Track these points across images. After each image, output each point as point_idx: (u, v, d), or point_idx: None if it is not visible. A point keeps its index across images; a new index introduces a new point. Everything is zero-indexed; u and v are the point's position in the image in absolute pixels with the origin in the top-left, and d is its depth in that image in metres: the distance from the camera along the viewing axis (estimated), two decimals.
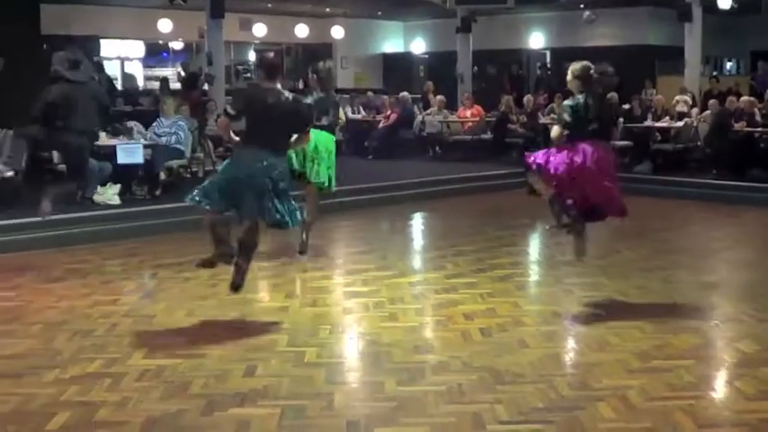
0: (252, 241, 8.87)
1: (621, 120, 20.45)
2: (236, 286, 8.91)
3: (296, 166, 11.21)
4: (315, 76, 11.89)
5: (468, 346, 8.12)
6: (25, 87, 17.07)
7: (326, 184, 11.56)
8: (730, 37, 31.20)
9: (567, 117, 9.14)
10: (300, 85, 30.60)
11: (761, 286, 10.65)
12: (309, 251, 11.72)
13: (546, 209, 9.85)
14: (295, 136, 9.03)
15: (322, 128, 11.34)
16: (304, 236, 11.63)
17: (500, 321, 8.88)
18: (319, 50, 32.83)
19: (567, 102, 9.32)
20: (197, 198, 8.75)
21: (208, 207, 8.75)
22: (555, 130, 9.29)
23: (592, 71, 9.35)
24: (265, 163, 8.60)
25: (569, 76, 9.44)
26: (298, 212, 8.95)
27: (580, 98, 9.23)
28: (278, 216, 8.68)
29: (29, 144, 14.43)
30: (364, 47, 33.65)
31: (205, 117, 19.01)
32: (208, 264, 9.14)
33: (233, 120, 8.94)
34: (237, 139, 9.07)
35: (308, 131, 9.20)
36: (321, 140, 11.35)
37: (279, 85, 8.90)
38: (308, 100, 11.33)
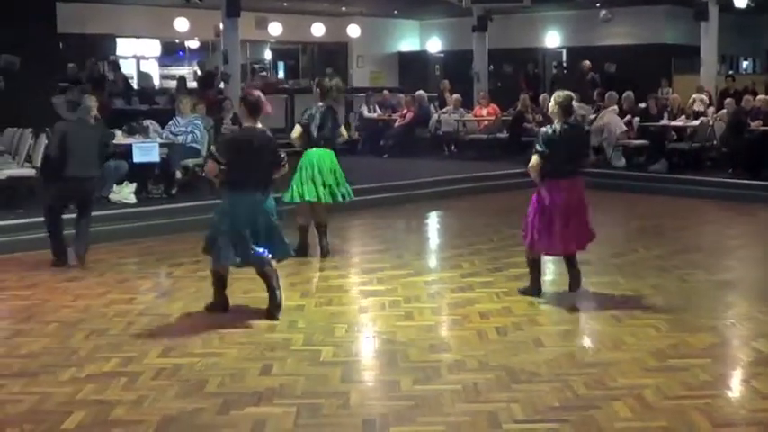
0: (271, 273, 9.09)
1: (637, 119, 20.43)
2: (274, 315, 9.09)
3: (307, 196, 11.50)
4: (318, 89, 11.92)
5: (483, 344, 8.12)
6: (41, 86, 17.19)
7: (342, 199, 11.80)
8: (746, 36, 31.14)
9: (544, 148, 9.33)
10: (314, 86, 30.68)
11: None
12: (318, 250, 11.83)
13: None
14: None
15: (319, 145, 11.58)
16: (323, 240, 11.74)
17: (516, 320, 8.88)
18: (335, 49, 32.88)
19: (543, 130, 9.52)
20: (221, 260, 9.02)
21: (228, 263, 9.04)
22: (533, 159, 9.42)
23: (574, 102, 9.54)
24: (262, 205, 8.95)
25: (552, 103, 9.61)
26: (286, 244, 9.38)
27: (557, 127, 9.37)
28: (280, 249, 9.17)
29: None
30: (380, 45, 33.63)
31: (221, 116, 19.01)
32: (219, 308, 9.30)
33: (221, 165, 8.95)
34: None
35: (284, 164, 9.23)
36: (323, 159, 11.58)
37: (259, 124, 9.03)
38: (305, 115, 11.51)
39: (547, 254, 9.89)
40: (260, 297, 9.66)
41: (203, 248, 9.23)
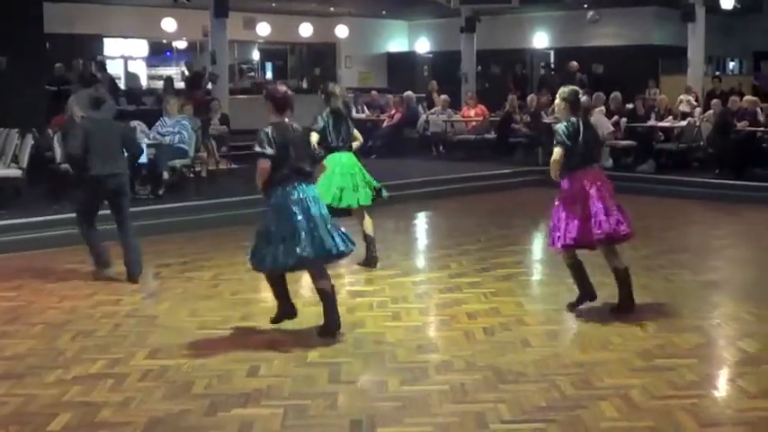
0: (329, 286, 8.57)
1: (625, 119, 20.47)
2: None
3: (340, 203, 11.12)
4: (324, 96, 11.57)
5: (471, 345, 8.13)
6: (28, 86, 17.15)
7: (374, 198, 11.50)
8: (733, 37, 31.21)
9: (566, 140, 9.09)
10: (305, 85, 30.74)
11: (763, 285, 10.67)
12: None
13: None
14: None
15: (338, 149, 11.26)
16: (371, 250, 11.53)
17: (503, 321, 8.89)
18: (324, 50, 32.89)
19: (560, 126, 9.25)
20: (279, 263, 8.30)
21: (305, 256, 8.23)
22: (556, 152, 9.10)
23: (581, 95, 9.38)
24: (312, 196, 8.35)
25: (558, 100, 9.41)
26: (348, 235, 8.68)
27: (573, 121, 9.19)
28: (343, 244, 8.46)
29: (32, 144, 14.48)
30: (368, 46, 33.65)
31: (209, 116, 19.02)
32: (285, 317, 8.74)
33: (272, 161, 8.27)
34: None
35: (322, 161, 8.92)
36: (345, 163, 11.28)
37: (287, 119, 8.49)
38: (319, 123, 11.23)
39: (584, 246, 9.28)
40: (247, 299, 9.70)
41: (254, 267, 8.55)
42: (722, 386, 7.29)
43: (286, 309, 8.69)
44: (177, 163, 15.79)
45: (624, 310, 9.19)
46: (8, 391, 6.97)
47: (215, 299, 9.86)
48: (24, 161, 14.35)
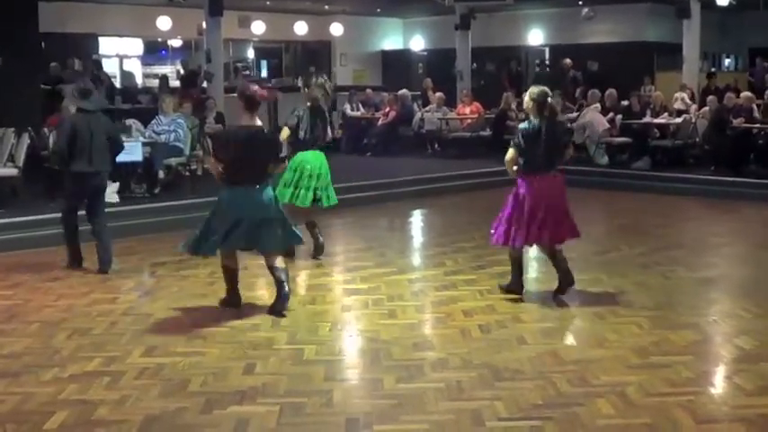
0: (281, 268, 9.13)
1: (620, 116, 20.48)
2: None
3: (287, 199, 11.25)
4: (305, 90, 11.85)
5: (467, 342, 8.14)
6: (23, 86, 17.12)
7: (322, 203, 11.70)
8: (729, 33, 31.21)
9: (522, 141, 9.28)
10: (300, 83, 30.69)
11: (759, 282, 10.67)
12: (304, 249, 11.77)
13: None
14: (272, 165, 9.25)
15: (306, 145, 11.42)
16: (318, 239, 11.73)
17: (499, 318, 8.90)
18: (318, 48, 32.85)
19: (521, 125, 9.51)
20: (195, 248, 9.18)
21: (214, 251, 9.13)
22: (509, 152, 9.43)
23: (549, 97, 9.46)
24: (260, 197, 8.94)
25: (527, 98, 9.58)
26: (297, 230, 9.47)
27: (535, 122, 9.32)
28: (289, 239, 9.35)
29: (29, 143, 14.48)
30: (363, 44, 33.61)
31: (204, 115, 19.01)
32: (232, 304, 9.38)
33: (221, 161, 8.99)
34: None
35: (283, 160, 9.42)
36: (317, 161, 11.48)
37: (257, 120, 9.06)
38: (292, 116, 11.36)
39: (518, 245, 9.60)
40: (243, 296, 9.67)
41: (190, 250, 9.26)
42: (719, 383, 7.29)
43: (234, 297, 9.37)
44: (173, 161, 15.78)
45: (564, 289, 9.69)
46: (5, 389, 6.97)
47: (210, 297, 9.85)
48: (21, 160, 14.34)
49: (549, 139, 9.35)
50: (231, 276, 9.30)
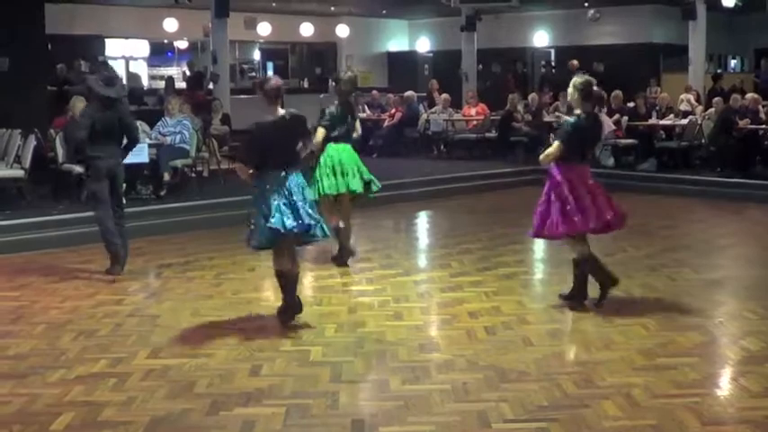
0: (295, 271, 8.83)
1: (626, 118, 20.46)
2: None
3: (328, 190, 11.10)
4: (335, 84, 11.63)
5: (473, 344, 8.13)
6: (29, 87, 17.15)
7: (363, 189, 11.42)
8: (734, 35, 31.23)
9: (569, 137, 9.02)
10: (306, 84, 30.72)
11: (765, 284, 10.65)
12: (316, 252, 11.75)
13: None
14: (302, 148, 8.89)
15: (337, 139, 11.18)
16: (347, 243, 11.51)
17: (505, 320, 8.89)
18: (324, 49, 32.88)
19: (569, 120, 9.21)
20: (259, 241, 8.64)
21: (291, 229, 8.48)
22: (556, 147, 9.05)
23: (594, 86, 9.30)
24: (293, 179, 8.57)
25: (570, 89, 9.30)
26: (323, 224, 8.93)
27: (582, 115, 9.12)
28: (317, 227, 8.75)
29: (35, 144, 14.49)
30: (369, 45, 33.64)
31: (210, 116, 19.04)
32: (290, 312, 8.85)
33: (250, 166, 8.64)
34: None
35: (312, 144, 9.01)
36: (343, 153, 11.23)
37: (280, 110, 8.64)
38: (326, 112, 11.21)
39: (577, 232, 9.23)
40: (249, 298, 9.70)
41: (255, 246, 8.78)
42: (725, 385, 7.28)
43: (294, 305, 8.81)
44: (179, 163, 15.80)
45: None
46: (11, 390, 6.97)
47: (217, 298, 9.86)
48: (27, 162, 14.34)
49: (592, 130, 9.27)
50: (289, 281, 8.76)
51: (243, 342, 8.22)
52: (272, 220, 8.34)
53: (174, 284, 10.56)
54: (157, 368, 7.47)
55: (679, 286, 10.44)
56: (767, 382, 7.06)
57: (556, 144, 9.08)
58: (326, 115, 11.22)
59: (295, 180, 8.58)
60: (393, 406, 6.58)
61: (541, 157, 9.22)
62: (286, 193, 8.45)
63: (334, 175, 11.17)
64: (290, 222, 8.39)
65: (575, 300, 9.35)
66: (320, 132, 11.07)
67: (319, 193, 11.00)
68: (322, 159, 11.16)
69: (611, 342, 8.14)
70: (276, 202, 8.40)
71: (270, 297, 9.86)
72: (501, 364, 7.52)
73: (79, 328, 8.70)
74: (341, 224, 11.38)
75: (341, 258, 11.42)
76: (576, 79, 9.33)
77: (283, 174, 8.49)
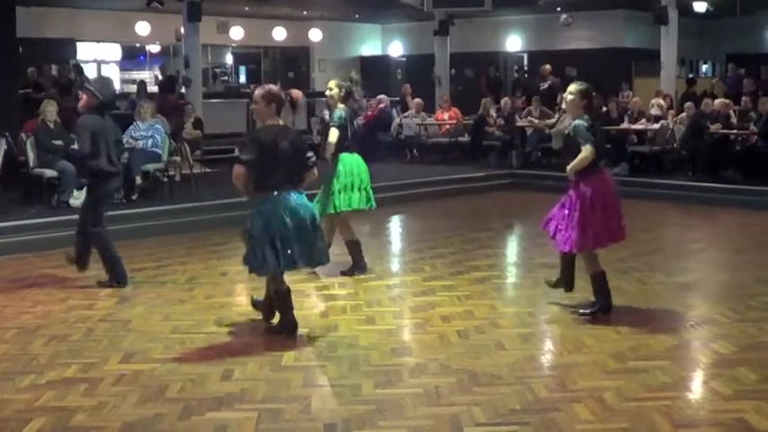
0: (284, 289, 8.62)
1: (598, 122, 20.47)
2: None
3: (355, 205, 11.06)
4: (342, 91, 11.18)
5: (445, 348, 8.13)
6: (1, 91, 17.06)
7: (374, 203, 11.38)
8: (706, 39, 31.39)
9: (592, 137, 8.89)
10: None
11: (736, 287, 10.68)
12: None
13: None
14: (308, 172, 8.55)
15: (349, 148, 11.07)
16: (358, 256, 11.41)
17: (477, 323, 8.90)
18: (297, 53, 32.86)
19: (580, 122, 8.99)
20: (252, 266, 8.37)
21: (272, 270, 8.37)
22: (588, 150, 8.83)
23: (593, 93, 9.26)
24: (298, 203, 8.32)
25: (573, 95, 9.15)
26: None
27: (587, 118, 9.08)
28: (323, 256, 8.62)
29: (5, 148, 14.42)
30: (342, 50, 33.62)
31: (182, 120, 18.99)
32: (285, 331, 8.62)
33: (250, 169, 8.19)
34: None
35: (313, 166, 8.55)
36: (356, 163, 11.13)
37: (280, 120, 8.44)
38: (338, 119, 10.88)
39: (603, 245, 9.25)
40: (221, 302, 9.68)
41: (249, 269, 8.45)
42: (696, 388, 7.32)
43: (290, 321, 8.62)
44: (151, 167, 15.75)
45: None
46: None
47: (189, 303, 9.84)
48: None
49: (599, 134, 9.21)
50: (285, 299, 8.56)
51: (215, 347, 8.20)
52: (269, 260, 8.19)
53: (146, 289, 10.52)
54: (129, 373, 7.45)
55: (650, 290, 10.48)
56: (738, 384, 7.09)
57: (587, 148, 8.86)
58: (337, 118, 10.93)
59: (295, 201, 8.31)
60: (365, 410, 6.58)
61: (574, 164, 8.98)
62: (286, 220, 8.20)
63: (352, 190, 11.07)
64: (284, 262, 8.25)
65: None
66: (334, 133, 10.88)
67: (335, 210, 10.98)
68: (341, 171, 10.99)
69: (582, 346, 8.16)
70: (273, 235, 8.18)
71: (242, 302, 9.84)
72: (473, 367, 7.53)
73: (50, 332, 8.66)
74: (354, 237, 11.37)
75: (357, 269, 11.29)
76: (576, 85, 9.24)
77: (284, 194, 8.25)
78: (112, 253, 10.63)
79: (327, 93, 11.28)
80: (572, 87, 9.27)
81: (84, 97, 10.68)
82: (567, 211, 9.11)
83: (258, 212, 8.23)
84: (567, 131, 9.24)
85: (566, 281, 9.54)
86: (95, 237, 10.57)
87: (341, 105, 11.07)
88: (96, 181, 10.53)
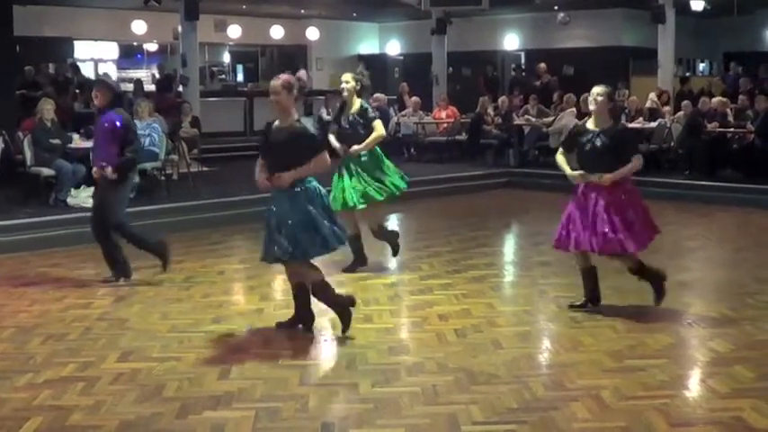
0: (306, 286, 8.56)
1: None
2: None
3: (356, 201, 10.99)
4: (358, 84, 11.19)
5: (442, 347, 8.13)
6: None
7: (396, 192, 11.41)
8: (703, 38, 31.40)
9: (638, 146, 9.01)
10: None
11: (734, 286, 10.69)
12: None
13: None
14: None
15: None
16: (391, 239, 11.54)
17: (475, 322, 8.90)
18: (294, 52, 32.85)
19: (632, 126, 9.12)
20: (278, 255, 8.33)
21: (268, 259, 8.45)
22: (639, 159, 9.15)
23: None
24: (296, 191, 8.22)
25: (604, 98, 9.04)
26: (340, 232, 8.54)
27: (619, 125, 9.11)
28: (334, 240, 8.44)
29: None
30: (339, 48, 33.61)
31: (180, 119, 18.98)
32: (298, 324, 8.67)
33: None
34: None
35: (322, 155, 8.32)
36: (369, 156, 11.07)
37: (294, 114, 8.32)
38: (370, 114, 10.95)
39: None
40: (218, 301, 9.67)
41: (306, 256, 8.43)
42: (693, 386, 7.31)
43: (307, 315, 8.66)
44: (148, 166, 15.73)
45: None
46: None
47: (186, 302, 9.83)
48: None
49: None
50: (307, 293, 8.56)
51: (212, 345, 8.20)
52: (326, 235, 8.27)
53: (144, 288, 10.51)
54: (126, 372, 7.44)
55: (647, 288, 10.42)
56: (735, 383, 7.09)
57: (638, 157, 9.15)
58: (372, 111, 11.07)
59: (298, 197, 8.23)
60: (363, 409, 6.58)
61: (622, 173, 9.15)
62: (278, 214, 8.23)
63: (365, 181, 11.09)
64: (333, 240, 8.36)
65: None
66: (379, 124, 11.01)
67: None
68: (373, 162, 11.08)
69: (580, 344, 8.16)
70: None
71: (239, 300, 9.84)
72: (471, 366, 7.53)
73: (48, 331, 8.66)
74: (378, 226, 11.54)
75: (394, 250, 11.53)
76: (603, 88, 9.11)
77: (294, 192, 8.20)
78: (150, 239, 10.76)
79: (343, 85, 11.22)
80: (599, 89, 9.09)
81: (98, 95, 10.60)
82: (613, 215, 9.16)
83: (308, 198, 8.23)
84: (603, 142, 9.05)
85: (592, 295, 9.47)
86: (126, 233, 10.67)
87: (357, 99, 11.12)
88: (129, 174, 10.72)
